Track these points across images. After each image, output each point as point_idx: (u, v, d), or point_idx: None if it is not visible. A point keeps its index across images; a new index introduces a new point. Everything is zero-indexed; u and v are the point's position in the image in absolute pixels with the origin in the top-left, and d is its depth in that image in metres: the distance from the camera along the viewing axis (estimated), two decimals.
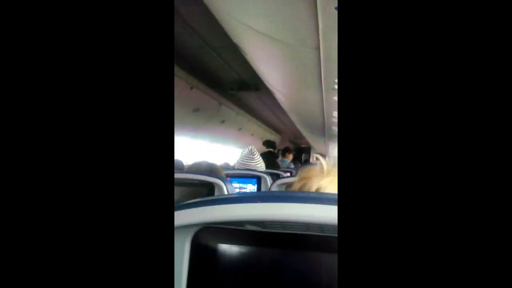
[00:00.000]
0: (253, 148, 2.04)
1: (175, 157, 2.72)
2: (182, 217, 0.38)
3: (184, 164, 2.66)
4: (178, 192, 1.23)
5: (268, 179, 1.79)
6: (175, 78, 2.79)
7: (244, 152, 2.03)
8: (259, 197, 0.38)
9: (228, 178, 1.54)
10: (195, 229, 0.38)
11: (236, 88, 3.63)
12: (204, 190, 1.24)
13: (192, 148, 4.91)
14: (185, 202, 0.38)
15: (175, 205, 0.39)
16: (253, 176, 1.87)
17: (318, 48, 1.33)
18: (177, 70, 2.76)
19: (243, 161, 1.96)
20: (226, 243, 0.38)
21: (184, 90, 3.02)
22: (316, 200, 0.36)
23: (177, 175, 1.24)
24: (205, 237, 0.38)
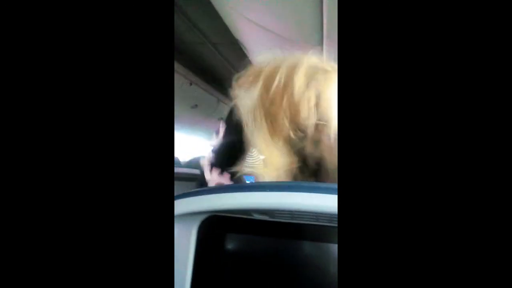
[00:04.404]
0: None
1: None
2: (188, 204, 0.37)
3: (181, 161, 2.65)
4: (176, 187, 1.23)
5: None
6: (176, 75, 2.78)
7: None
8: (268, 186, 0.37)
9: None
10: (201, 217, 0.37)
11: None
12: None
13: (189, 145, 4.89)
14: (192, 190, 0.38)
15: (179, 194, 0.39)
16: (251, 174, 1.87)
17: (321, 45, 1.32)
18: (177, 66, 2.74)
19: None
20: (234, 233, 0.37)
21: (184, 86, 3.01)
22: (326, 190, 0.36)
23: (176, 170, 1.23)
24: (212, 226, 0.37)
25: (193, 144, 4.98)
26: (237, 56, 2.63)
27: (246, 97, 0.41)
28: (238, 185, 0.38)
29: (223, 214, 0.37)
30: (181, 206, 0.37)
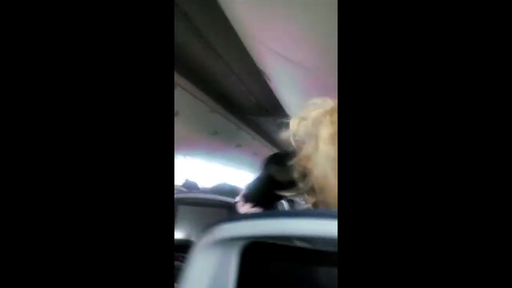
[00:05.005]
0: None
1: (191, 179, 2.74)
2: (228, 229, 0.37)
3: (200, 186, 2.65)
4: (200, 211, 1.23)
5: (286, 205, 1.77)
6: (197, 101, 2.84)
7: None
8: (311, 213, 0.37)
9: None
10: (242, 243, 0.37)
11: (254, 113, 3.67)
12: (225, 211, 1.24)
13: (206, 171, 4.93)
14: (233, 216, 0.38)
15: (221, 219, 0.39)
16: None
17: None
18: (200, 93, 2.82)
19: None
20: (275, 260, 0.37)
21: (205, 113, 3.07)
22: None
23: (199, 195, 1.24)
24: (253, 252, 0.37)
25: (211, 171, 5.01)
26: (259, 85, 2.69)
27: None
28: (280, 211, 0.38)
29: (264, 241, 0.37)
30: (222, 231, 0.37)
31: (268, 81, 2.08)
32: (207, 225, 0.37)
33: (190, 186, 2.20)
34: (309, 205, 0.47)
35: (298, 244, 0.37)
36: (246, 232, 0.37)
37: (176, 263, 1.22)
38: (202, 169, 4.75)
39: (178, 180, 3.56)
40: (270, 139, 5.55)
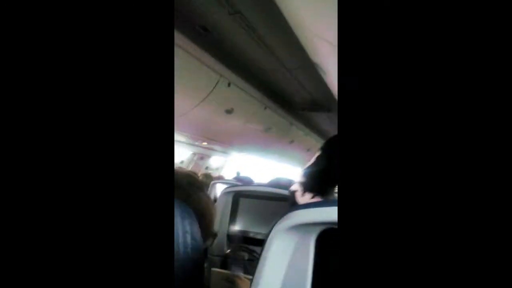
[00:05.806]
0: None
1: (246, 174, 2.80)
2: (305, 215, 0.38)
3: (254, 180, 2.70)
4: (258, 204, 1.26)
5: None
6: (251, 98, 2.90)
7: None
8: None
9: None
10: (320, 228, 0.38)
11: (307, 108, 3.64)
12: (283, 203, 1.25)
13: (261, 166, 5.00)
14: (312, 202, 0.39)
15: (300, 205, 0.40)
16: None
17: None
18: (253, 90, 2.86)
19: None
20: None
21: (259, 110, 3.12)
22: None
23: (258, 188, 1.27)
24: (330, 238, 0.38)
25: (265, 165, 5.08)
26: (312, 80, 2.66)
27: None
28: None
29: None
30: (299, 216, 0.38)
31: (323, 75, 2.05)
32: (284, 212, 0.39)
33: (241, 180, 2.26)
34: None
35: None
36: (322, 218, 0.37)
37: (240, 253, 1.24)
38: (256, 164, 4.83)
39: (232, 174, 3.63)
40: (323, 135, 5.46)
